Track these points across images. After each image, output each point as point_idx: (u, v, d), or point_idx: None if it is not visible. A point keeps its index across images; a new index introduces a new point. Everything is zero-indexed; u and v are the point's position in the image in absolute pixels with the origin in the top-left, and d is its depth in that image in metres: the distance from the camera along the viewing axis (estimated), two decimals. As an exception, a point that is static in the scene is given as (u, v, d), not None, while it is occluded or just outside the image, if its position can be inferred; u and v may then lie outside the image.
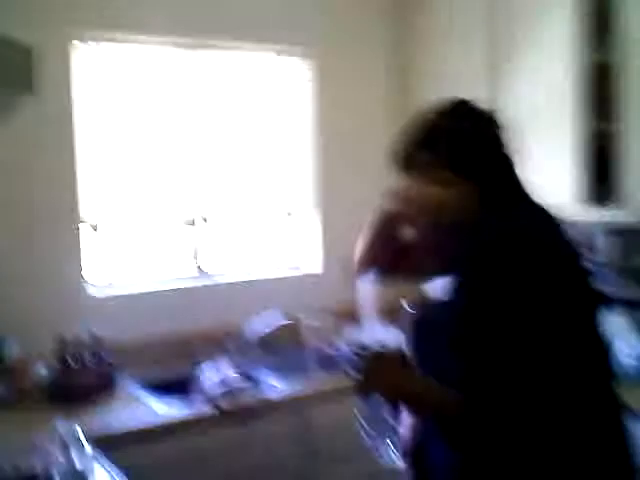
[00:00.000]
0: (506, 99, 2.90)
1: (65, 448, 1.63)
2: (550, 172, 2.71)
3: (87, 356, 2.45)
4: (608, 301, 2.58)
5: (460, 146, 1.47)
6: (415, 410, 1.50)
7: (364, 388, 1.51)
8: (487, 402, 1.30)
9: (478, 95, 2.97)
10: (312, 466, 2.52)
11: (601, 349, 1.43)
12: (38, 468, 1.51)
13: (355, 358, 1.53)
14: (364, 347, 1.58)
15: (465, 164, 1.46)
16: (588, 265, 1.50)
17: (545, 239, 1.41)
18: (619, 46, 2.49)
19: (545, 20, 2.71)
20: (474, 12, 3.01)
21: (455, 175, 1.45)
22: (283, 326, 2.89)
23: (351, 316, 3.19)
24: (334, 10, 3.30)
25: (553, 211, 1.50)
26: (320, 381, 2.66)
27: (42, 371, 2.43)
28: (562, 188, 2.66)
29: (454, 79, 3.13)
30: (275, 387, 2.60)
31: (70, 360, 2.41)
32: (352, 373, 1.52)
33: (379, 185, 3.40)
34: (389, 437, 1.61)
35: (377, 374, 1.50)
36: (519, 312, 1.30)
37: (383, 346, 1.61)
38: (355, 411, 1.59)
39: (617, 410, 1.45)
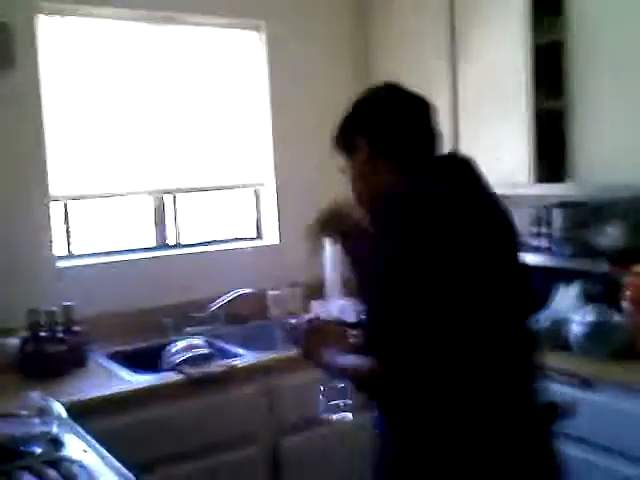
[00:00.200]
0: (464, 77, 3.00)
1: (40, 415, 1.70)
2: (504, 150, 2.83)
3: (58, 328, 2.51)
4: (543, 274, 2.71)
5: (383, 129, 1.56)
6: (339, 377, 1.63)
7: (301, 357, 1.66)
8: (391, 369, 1.37)
9: (438, 71, 3.10)
10: (277, 432, 2.61)
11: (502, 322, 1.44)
12: (16, 434, 1.58)
13: (295, 330, 1.68)
14: (311, 319, 1.70)
15: (387, 145, 1.55)
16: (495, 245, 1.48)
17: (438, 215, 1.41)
18: (567, 26, 2.59)
19: (499, 2, 2.81)
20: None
21: (378, 156, 1.55)
22: (247, 296, 2.97)
23: (315, 288, 3.30)
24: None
25: (483, 194, 1.56)
26: (283, 350, 2.75)
27: (14, 343, 2.48)
28: (516, 165, 2.78)
29: (414, 55, 3.22)
30: (240, 355, 2.68)
31: (42, 332, 2.46)
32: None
33: (334, 157, 3.47)
34: (343, 401, 1.72)
35: (307, 346, 1.65)
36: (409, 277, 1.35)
37: (320, 318, 1.73)
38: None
39: (524, 380, 1.47)
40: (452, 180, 1.51)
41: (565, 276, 2.71)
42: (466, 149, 2.99)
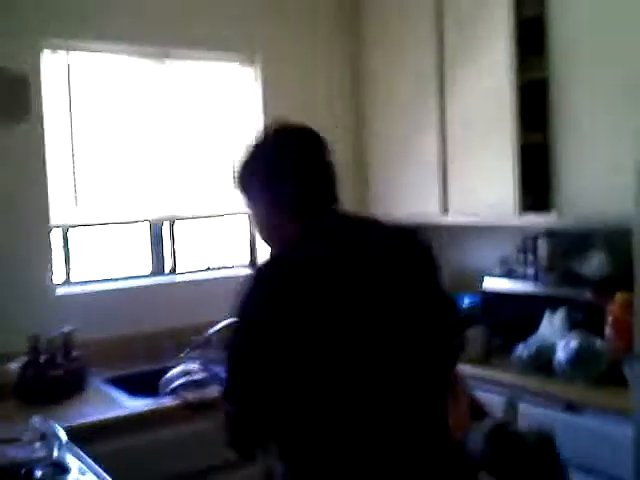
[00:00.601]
0: (452, 111, 3.11)
1: (42, 440, 1.77)
2: (491, 181, 2.93)
3: (58, 353, 2.57)
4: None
5: (268, 181, 1.55)
6: None
7: None
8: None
9: (426, 107, 3.20)
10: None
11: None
12: (18, 458, 1.64)
13: None
14: None
15: (274, 196, 1.55)
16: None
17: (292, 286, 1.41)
18: (550, 64, 2.71)
19: (485, 38, 2.92)
20: (424, 21, 3.19)
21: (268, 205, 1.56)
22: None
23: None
24: (282, 18, 3.45)
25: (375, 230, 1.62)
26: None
27: (14, 368, 2.54)
28: (502, 196, 2.87)
29: (405, 89, 3.33)
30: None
31: (41, 357, 2.52)
32: None
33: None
34: None
35: None
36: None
37: None
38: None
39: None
40: (340, 233, 1.54)
41: (550, 303, 2.78)
42: (454, 180, 3.11)
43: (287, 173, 1.55)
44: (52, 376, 2.50)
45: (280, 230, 1.56)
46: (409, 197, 3.38)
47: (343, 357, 1.38)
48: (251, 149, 1.61)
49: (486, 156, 2.95)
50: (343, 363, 1.39)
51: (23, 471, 1.62)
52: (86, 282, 3.04)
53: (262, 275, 1.49)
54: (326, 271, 1.42)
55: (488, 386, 2.62)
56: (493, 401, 2.49)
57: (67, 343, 2.62)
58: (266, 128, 1.67)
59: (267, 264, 1.50)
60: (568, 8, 2.64)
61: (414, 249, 1.57)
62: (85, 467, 1.70)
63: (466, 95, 3.03)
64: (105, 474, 1.67)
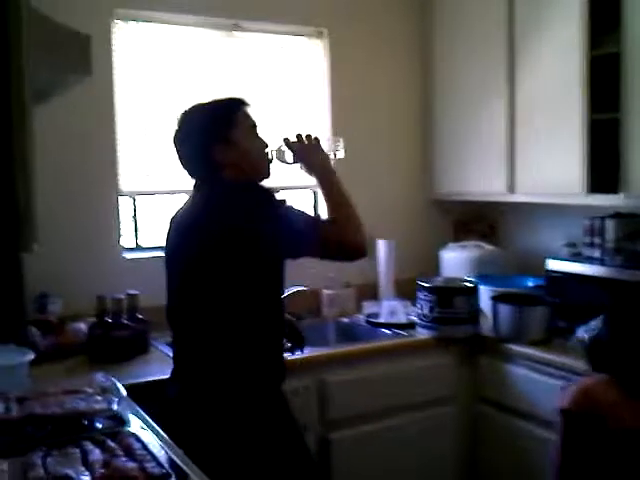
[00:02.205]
0: (521, 86, 3.05)
1: (103, 394, 1.85)
2: (558, 160, 2.86)
3: (123, 315, 2.67)
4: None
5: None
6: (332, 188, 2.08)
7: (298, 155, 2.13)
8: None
9: (494, 84, 3.15)
10: (328, 425, 2.71)
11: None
12: (82, 409, 1.72)
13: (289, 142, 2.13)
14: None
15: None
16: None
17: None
18: (622, 39, 2.62)
19: (555, 17, 2.85)
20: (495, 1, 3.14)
21: None
22: (301, 293, 3.07)
23: (369, 289, 3.39)
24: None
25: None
26: (336, 346, 2.85)
27: (82, 327, 2.66)
28: (570, 175, 2.81)
29: (473, 61, 3.28)
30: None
31: (108, 318, 2.63)
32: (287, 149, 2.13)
33: (393, 161, 3.57)
34: None
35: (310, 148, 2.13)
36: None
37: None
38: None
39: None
40: (191, 197, 2.15)
41: (616, 286, 2.72)
42: (521, 158, 3.05)
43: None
44: (117, 336, 2.60)
45: None
46: (475, 176, 3.35)
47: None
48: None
49: (554, 135, 2.88)
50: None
51: (84, 421, 1.70)
52: (154, 248, 3.12)
53: None
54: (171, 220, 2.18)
55: (547, 368, 2.60)
56: (550, 382, 2.50)
57: (132, 306, 2.71)
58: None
59: None
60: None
61: (207, 224, 2.00)
62: (141, 422, 1.77)
63: (536, 73, 2.97)
64: (159, 428, 1.73)
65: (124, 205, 3.04)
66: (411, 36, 3.63)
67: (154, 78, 3.07)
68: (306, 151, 2.13)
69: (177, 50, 3.12)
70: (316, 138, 2.15)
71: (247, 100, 2.13)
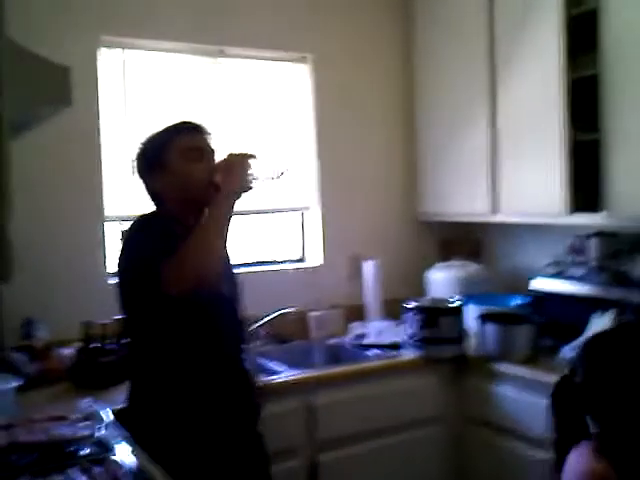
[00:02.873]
0: (503, 108, 3.09)
1: (89, 419, 1.84)
2: (541, 180, 2.90)
3: (110, 340, 2.66)
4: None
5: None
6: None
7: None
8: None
9: (477, 105, 3.20)
10: (316, 447, 2.70)
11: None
12: (67, 436, 1.71)
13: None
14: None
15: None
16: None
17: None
18: (600, 61, 2.66)
19: (534, 36, 2.90)
20: (474, 17, 3.19)
21: None
22: (288, 315, 3.08)
23: (355, 310, 3.40)
24: (333, 15, 3.51)
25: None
26: (324, 368, 2.86)
27: (68, 353, 2.64)
28: (552, 195, 2.85)
29: (455, 84, 3.33)
30: (280, 372, 2.77)
31: (94, 343, 2.62)
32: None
33: (379, 182, 3.61)
34: None
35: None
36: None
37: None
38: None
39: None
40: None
41: (600, 305, 2.74)
42: (505, 179, 3.09)
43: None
44: (103, 362, 2.59)
45: None
46: (459, 196, 3.38)
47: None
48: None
49: (536, 155, 2.92)
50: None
51: (70, 448, 1.69)
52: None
53: None
54: None
55: (533, 387, 2.61)
56: (537, 401, 2.50)
57: (118, 331, 2.69)
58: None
59: None
60: (620, 3, 2.60)
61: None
62: (130, 447, 1.76)
63: (516, 93, 3.02)
64: (146, 455, 1.72)
65: (110, 230, 3.04)
66: (394, 57, 3.68)
67: (140, 104, 3.09)
68: (228, 172, 1.96)
69: (162, 76, 3.15)
70: (247, 159, 1.98)
71: (196, 123, 2.09)
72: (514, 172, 3.05)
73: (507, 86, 3.06)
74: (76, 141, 2.89)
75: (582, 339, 2.62)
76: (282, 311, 3.06)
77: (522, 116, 2.99)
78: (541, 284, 3.02)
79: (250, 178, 1.96)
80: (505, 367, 2.76)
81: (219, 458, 2.00)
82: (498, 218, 3.19)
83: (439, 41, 3.44)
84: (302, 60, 3.47)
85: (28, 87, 1.61)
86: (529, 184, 2.97)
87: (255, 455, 2.15)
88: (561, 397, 1.76)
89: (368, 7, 3.61)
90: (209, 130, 2.11)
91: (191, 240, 1.84)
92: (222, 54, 3.27)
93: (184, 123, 2.09)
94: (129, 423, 1.91)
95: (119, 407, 2.12)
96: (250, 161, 1.97)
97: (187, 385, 2.00)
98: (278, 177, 2.04)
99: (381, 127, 3.66)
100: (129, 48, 3.05)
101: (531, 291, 3.04)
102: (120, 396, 2.41)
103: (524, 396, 2.67)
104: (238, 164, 1.96)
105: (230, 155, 2.00)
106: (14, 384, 2.07)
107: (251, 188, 1.97)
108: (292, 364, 2.88)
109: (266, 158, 2.07)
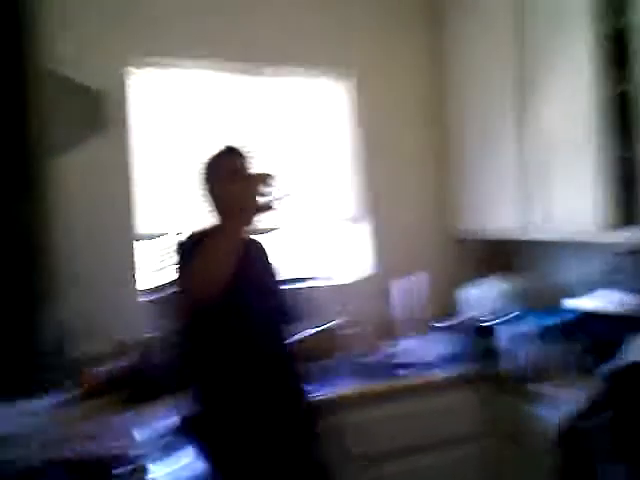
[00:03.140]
0: (536, 125, 3.06)
1: (125, 437, 1.85)
2: (576, 197, 2.85)
3: (145, 356, 2.68)
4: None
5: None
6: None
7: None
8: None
9: (505, 120, 3.15)
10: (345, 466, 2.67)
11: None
12: (99, 454, 1.72)
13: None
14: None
15: None
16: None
17: None
18: (633, 77, 2.61)
19: (568, 52, 2.86)
20: (505, 34, 3.17)
21: None
22: (320, 332, 3.06)
23: (387, 327, 3.38)
24: (373, 32, 3.55)
25: None
26: (354, 387, 2.84)
27: (105, 370, 2.66)
28: (588, 212, 2.80)
29: (484, 101, 3.30)
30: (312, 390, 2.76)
31: (129, 360, 2.64)
32: None
33: (420, 198, 3.58)
34: None
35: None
36: None
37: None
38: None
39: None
40: None
41: (636, 325, 2.69)
42: (538, 197, 3.05)
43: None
44: (142, 376, 2.60)
45: None
46: (489, 213, 3.35)
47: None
48: None
49: (569, 171, 2.88)
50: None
51: (111, 468, 1.70)
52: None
53: None
54: None
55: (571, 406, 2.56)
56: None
57: (154, 345, 2.72)
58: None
59: None
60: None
61: None
62: (167, 466, 1.76)
63: (549, 108, 2.97)
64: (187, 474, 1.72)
65: (144, 248, 3.07)
66: (427, 73, 3.70)
67: (173, 123, 3.12)
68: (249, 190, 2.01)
69: (198, 94, 3.17)
70: (264, 180, 2.02)
71: (236, 146, 2.25)
72: (548, 189, 3.01)
73: (539, 101, 3.02)
74: (107, 158, 2.91)
75: (612, 365, 2.57)
76: (320, 328, 3.04)
77: (555, 131, 2.94)
78: (579, 302, 2.97)
79: (268, 198, 1.98)
80: (541, 386, 2.72)
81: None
82: (532, 235, 3.14)
83: (473, 58, 3.43)
84: (342, 76, 3.49)
85: (69, 112, 1.64)
86: (562, 200, 2.93)
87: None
88: (571, 441, 1.55)
89: (399, 20, 3.63)
90: (246, 151, 2.22)
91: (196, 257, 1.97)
92: (261, 73, 3.29)
93: (227, 148, 2.25)
94: (201, 429, 2.04)
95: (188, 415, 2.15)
96: (268, 180, 1.99)
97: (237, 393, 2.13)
98: (282, 198, 2.04)
99: (413, 145, 3.65)
100: (164, 67, 3.08)
101: (569, 309, 2.99)
102: (158, 411, 2.44)
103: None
104: (253, 185, 1.99)
105: (248, 176, 2.09)
106: (50, 401, 2.09)
107: (270, 208, 1.99)
108: (324, 380, 2.87)
109: (291, 176, 2.09)
